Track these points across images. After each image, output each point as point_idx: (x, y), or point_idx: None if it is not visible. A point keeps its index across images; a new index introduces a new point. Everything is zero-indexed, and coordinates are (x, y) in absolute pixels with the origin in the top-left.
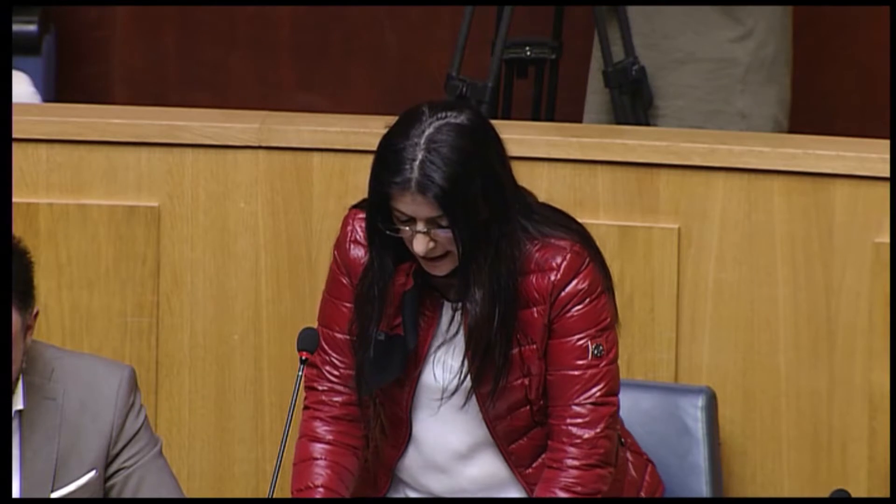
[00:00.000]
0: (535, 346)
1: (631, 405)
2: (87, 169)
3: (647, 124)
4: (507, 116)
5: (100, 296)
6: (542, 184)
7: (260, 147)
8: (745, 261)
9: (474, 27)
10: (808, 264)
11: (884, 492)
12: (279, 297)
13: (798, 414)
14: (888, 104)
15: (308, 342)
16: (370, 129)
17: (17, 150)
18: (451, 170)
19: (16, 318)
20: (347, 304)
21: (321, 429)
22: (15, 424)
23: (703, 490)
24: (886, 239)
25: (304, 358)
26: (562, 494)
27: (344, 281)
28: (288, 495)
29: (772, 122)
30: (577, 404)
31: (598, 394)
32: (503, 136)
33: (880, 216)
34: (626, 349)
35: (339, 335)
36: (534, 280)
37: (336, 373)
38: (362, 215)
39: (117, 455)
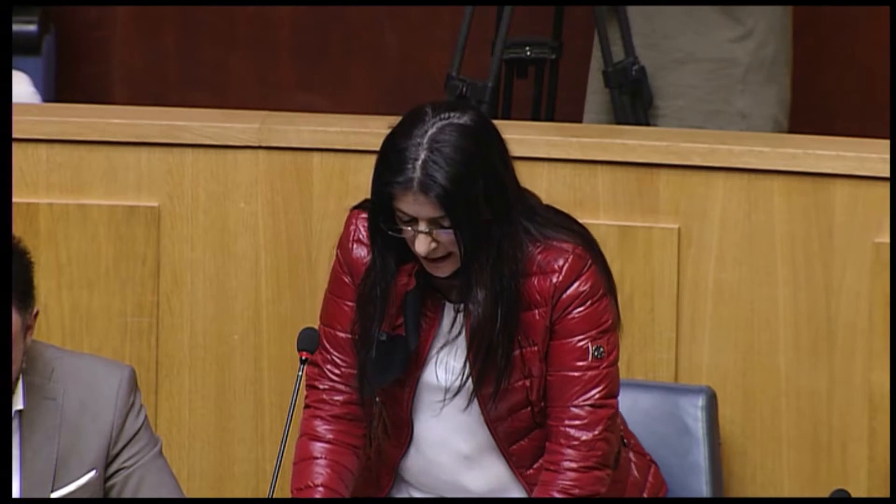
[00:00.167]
0: (536, 348)
1: (631, 405)
2: (87, 169)
3: (647, 124)
4: (507, 116)
5: (100, 296)
6: (542, 184)
7: (260, 147)
8: (745, 261)
9: (474, 27)
10: (808, 264)
11: (884, 492)
12: (279, 297)
13: (798, 414)
14: (888, 104)
15: (308, 342)
16: (370, 129)
17: (17, 150)
18: (454, 170)
19: (16, 318)
20: (349, 303)
21: (322, 428)
22: (15, 424)
23: (704, 490)
24: (886, 239)
25: (304, 358)
26: (559, 497)
27: (346, 280)
28: (288, 495)
29: (772, 122)
30: (575, 406)
31: (597, 396)
32: (503, 136)
33: (880, 216)
34: (626, 349)
35: (340, 334)
36: (536, 282)
37: (337, 371)
38: (365, 215)
39: (117, 455)
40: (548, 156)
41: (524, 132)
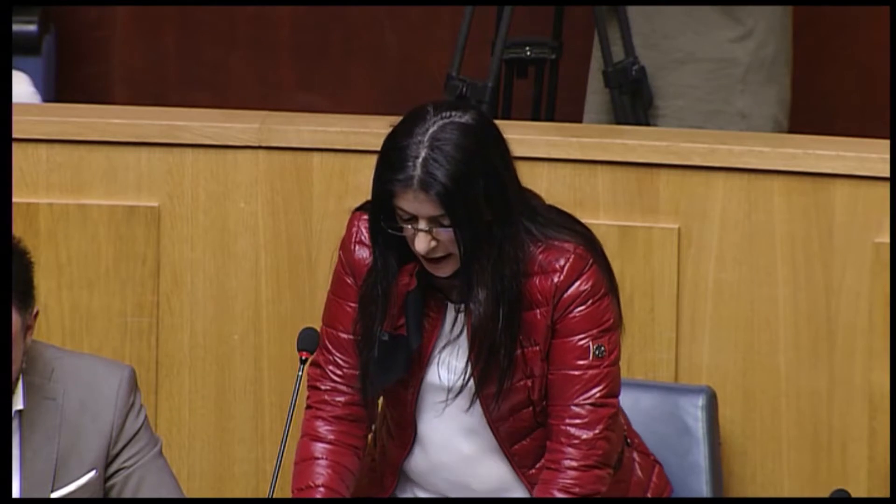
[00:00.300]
0: (538, 348)
1: (631, 405)
2: (87, 169)
3: (647, 124)
4: (507, 116)
5: (100, 296)
6: (542, 184)
7: (260, 147)
8: (745, 261)
9: (474, 27)
10: (808, 264)
11: (884, 492)
12: (279, 297)
13: (798, 414)
14: (888, 104)
15: (308, 342)
16: (370, 129)
17: (17, 150)
18: (454, 168)
19: (16, 318)
20: (352, 304)
21: (323, 428)
22: (15, 424)
23: (704, 490)
24: (886, 239)
25: (304, 358)
26: (559, 495)
27: (349, 281)
28: (288, 495)
29: (772, 122)
30: (576, 405)
31: (597, 395)
32: (504, 136)
33: (880, 216)
34: (626, 349)
35: (342, 335)
36: (537, 282)
37: (339, 372)
38: (366, 216)
39: (117, 455)
40: (548, 156)
41: (524, 132)
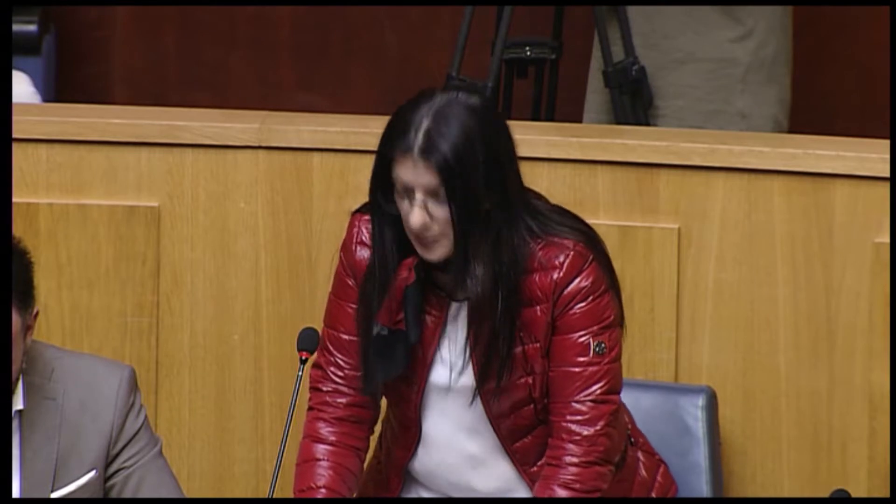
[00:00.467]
0: (538, 345)
1: (631, 405)
2: (87, 169)
3: (647, 124)
4: (507, 116)
5: (100, 296)
6: (542, 184)
7: (260, 147)
8: (745, 261)
9: (474, 27)
10: (808, 264)
11: (884, 492)
12: (279, 297)
13: (798, 414)
14: (888, 104)
15: (308, 342)
16: (370, 129)
17: (17, 150)
18: (456, 142)
19: (16, 318)
20: (353, 306)
21: (324, 430)
22: (15, 424)
23: (704, 490)
24: (886, 239)
25: (304, 358)
26: (560, 491)
27: (350, 282)
28: (288, 495)
29: (772, 122)
30: (577, 401)
31: (598, 391)
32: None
33: (880, 216)
34: (627, 349)
35: (344, 336)
36: (537, 278)
37: (341, 374)
38: (367, 217)
39: (117, 455)
40: (548, 156)
41: (524, 132)
